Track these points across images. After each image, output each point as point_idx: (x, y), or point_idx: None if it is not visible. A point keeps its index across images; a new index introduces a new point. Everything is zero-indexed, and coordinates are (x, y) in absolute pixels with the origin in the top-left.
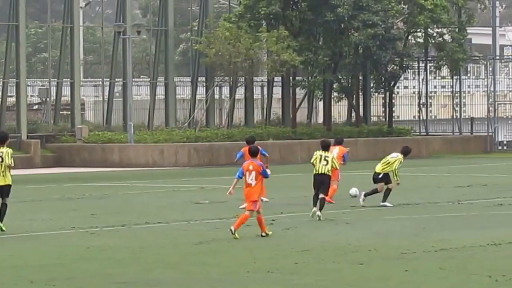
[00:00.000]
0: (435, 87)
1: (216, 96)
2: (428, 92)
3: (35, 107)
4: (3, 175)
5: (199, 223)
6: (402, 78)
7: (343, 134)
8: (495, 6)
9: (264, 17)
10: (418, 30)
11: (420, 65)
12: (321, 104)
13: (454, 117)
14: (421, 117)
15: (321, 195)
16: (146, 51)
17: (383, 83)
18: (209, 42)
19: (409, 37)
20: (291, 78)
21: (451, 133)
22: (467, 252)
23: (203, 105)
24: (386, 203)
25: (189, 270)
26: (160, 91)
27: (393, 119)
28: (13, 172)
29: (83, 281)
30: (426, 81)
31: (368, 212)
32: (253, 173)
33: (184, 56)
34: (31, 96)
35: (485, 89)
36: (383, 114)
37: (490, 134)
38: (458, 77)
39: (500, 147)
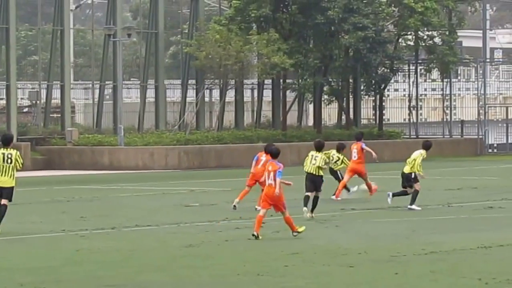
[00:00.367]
0: (425, 90)
1: (206, 99)
2: (419, 95)
3: (25, 109)
4: (11, 177)
5: (189, 226)
6: (392, 81)
7: (333, 137)
8: (486, 9)
9: (254, 20)
10: (409, 33)
11: (411, 67)
12: (311, 106)
13: (445, 120)
14: (411, 120)
15: (314, 194)
16: (136, 54)
17: (374, 86)
18: (199, 44)
19: (400, 40)
20: (281, 80)
21: (441, 136)
22: (457, 255)
23: (193, 107)
24: (413, 207)
25: (179, 273)
26: (150, 93)
27: (383, 122)
28: None
29: (72, 284)
30: (417, 84)
31: (358, 215)
32: (272, 173)
33: (174, 58)
34: (21, 98)
35: (476, 92)
36: (373, 117)
37: (480, 137)
38: (449, 80)
39: (490, 150)
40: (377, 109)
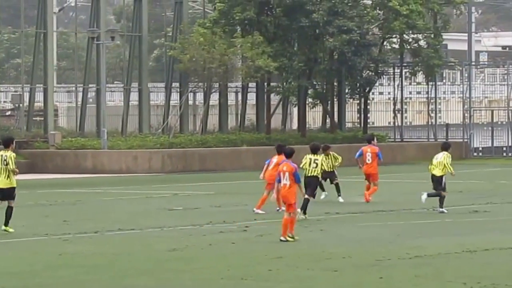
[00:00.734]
0: (410, 93)
1: (190, 102)
2: (403, 98)
3: (8, 113)
4: (8, 178)
5: (173, 229)
6: (377, 84)
7: (318, 140)
8: (471, 12)
9: (238, 23)
10: (394, 36)
11: (396, 71)
12: (295, 110)
13: (430, 123)
14: (396, 123)
15: (305, 196)
16: (120, 57)
17: (358, 89)
18: (183, 47)
19: (385, 43)
20: (265, 84)
21: (426, 140)
22: (442, 259)
23: (177, 111)
24: (442, 209)
25: (162, 277)
26: (134, 97)
27: (368, 125)
28: None
29: None
30: (402, 87)
31: (342, 219)
32: (287, 173)
33: (158, 62)
34: (4, 102)
35: (461, 95)
36: (358, 120)
37: (466, 140)
38: (434, 83)
39: (475, 154)
40: (362, 112)
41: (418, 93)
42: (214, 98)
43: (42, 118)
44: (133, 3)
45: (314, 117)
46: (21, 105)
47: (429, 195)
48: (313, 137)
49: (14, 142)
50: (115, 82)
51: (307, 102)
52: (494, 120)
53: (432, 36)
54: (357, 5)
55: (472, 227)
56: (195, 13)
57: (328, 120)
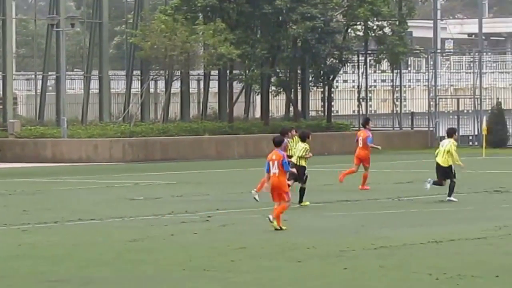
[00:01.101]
0: (375, 81)
1: (152, 90)
2: (368, 86)
3: None
4: None
5: (134, 219)
6: (341, 72)
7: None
8: None
9: (200, 10)
10: (358, 23)
11: (360, 58)
12: (258, 98)
13: (394, 111)
14: (360, 111)
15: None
16: (80, 44)
17: (322, 77)
18: (144, 35)
19: (349, 30)
20: (228, 71)
21: (391, 128)
22: (407, 249)
23: (138, 99)
24: (452, 198)
25: (123, 267)
26: (94, 85)
27: (332, 114)
28: None
29: (14, 280)
30: (366, 75)
31: (306, 209)
32: (276, 162)
33: (119, 49)
34: None
35: (426, 83)
36: (322, 109)
37: (431, 129)
38: (399, 71)
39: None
40: (326, 100)
41: (383, 81)
42: (176, 86)
43: (1, 107)
44: None
45: (278, 105)
46: None
47: (435, 183)
48: (277, 126)
49: None
50: (75, 69)
51: (270, 90)
52: (460, 109)
53: (397, 23)
54: None
55: (438, 218)
56: (156, 0)
57: (291, 109)
